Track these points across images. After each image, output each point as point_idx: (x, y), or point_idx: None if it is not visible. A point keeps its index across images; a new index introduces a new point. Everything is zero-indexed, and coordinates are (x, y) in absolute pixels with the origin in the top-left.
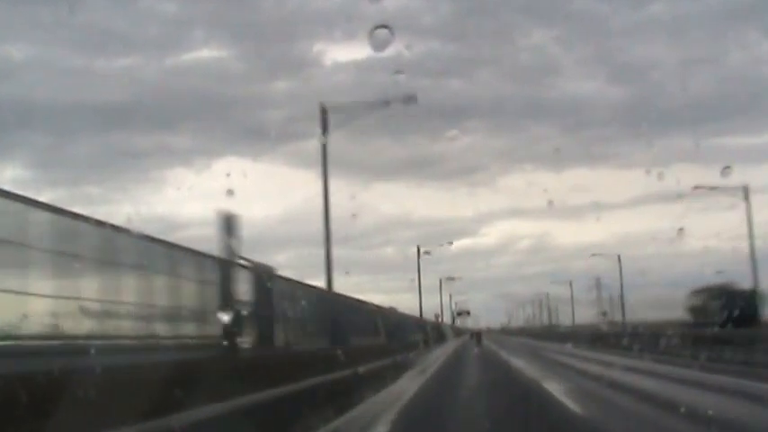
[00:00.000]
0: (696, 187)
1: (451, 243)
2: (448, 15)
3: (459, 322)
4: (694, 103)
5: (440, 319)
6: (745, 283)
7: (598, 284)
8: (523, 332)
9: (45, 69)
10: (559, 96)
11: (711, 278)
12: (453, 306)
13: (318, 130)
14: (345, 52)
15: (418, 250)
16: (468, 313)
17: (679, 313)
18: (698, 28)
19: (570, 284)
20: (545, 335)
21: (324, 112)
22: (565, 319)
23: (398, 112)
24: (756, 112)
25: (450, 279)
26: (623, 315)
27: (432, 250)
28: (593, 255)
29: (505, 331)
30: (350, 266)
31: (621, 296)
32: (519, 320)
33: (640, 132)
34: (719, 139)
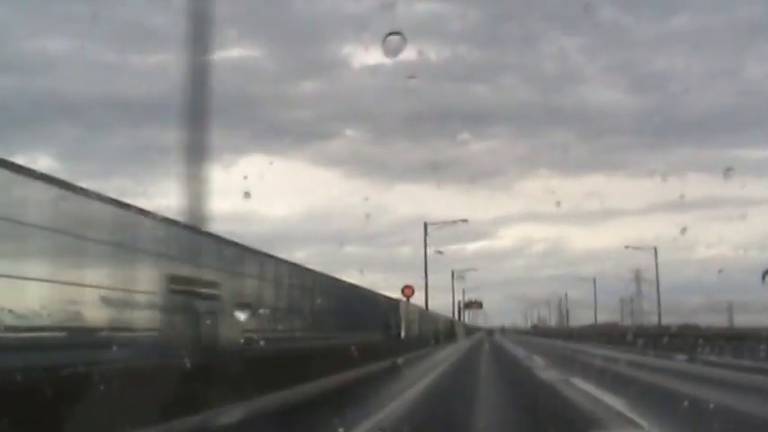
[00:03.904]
0: None
1: None
2: (475, 22)
3: (468, 318)
4: (711, 114)
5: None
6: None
7: (638, 276)
8: (566, 335)
9: (78, 64)
10: (580, 104)
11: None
12: (462, 296)
13: (344, 129)
14: (374, 55)
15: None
16: (480, 306)
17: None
18: (718, 41)
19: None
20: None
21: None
22: (576, 321)
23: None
24: None
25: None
26: None
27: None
28: (627, 247)
29: (540, 332)
30: (366, 264)
31: None
32: (530, 321)
33: (657, 142)
34: (734, 151)
